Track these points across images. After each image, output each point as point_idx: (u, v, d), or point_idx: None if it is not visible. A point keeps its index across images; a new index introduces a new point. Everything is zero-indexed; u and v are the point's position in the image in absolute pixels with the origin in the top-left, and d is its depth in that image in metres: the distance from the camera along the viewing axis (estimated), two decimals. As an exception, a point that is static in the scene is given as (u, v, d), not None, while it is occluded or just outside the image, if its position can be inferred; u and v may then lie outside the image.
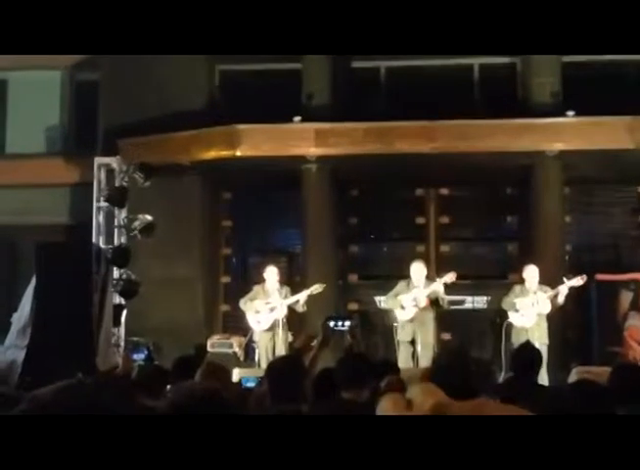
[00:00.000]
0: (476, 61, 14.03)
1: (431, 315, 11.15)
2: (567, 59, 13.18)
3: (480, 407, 3.69)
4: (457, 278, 11.14)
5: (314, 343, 6.19)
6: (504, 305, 11.14)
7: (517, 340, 10.57)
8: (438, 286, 11.03)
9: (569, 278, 11.01)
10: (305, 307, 11.28)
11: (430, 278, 11.46)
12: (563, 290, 10.86)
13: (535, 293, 10.91)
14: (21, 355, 10.09)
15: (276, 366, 4.95)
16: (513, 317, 10.94)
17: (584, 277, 10.99)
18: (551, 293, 10.87)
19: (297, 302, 11.24)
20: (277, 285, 11.34)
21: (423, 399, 3.92)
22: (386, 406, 4.15)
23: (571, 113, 12.28)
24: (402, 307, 11.05)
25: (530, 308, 10.83)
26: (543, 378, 10.08)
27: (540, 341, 10.60)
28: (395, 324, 11.23)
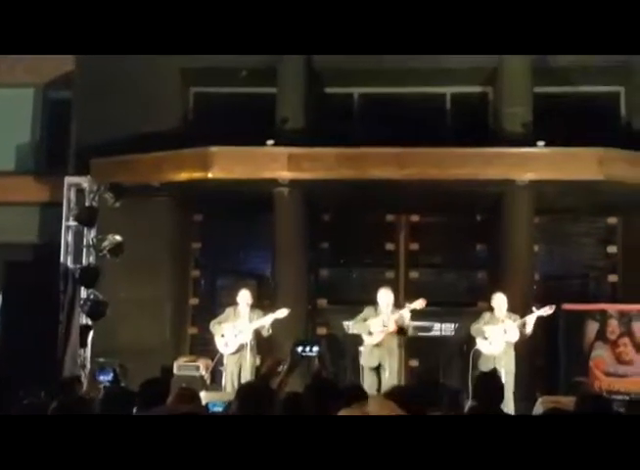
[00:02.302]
0: (448, 90, 14.16)
1: (397, 342, 11.17)
2: (538, 89, 13.33)
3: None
4: (426, 305, 11.16)
5: (280, 368, 6.24)
6: (473, 332, 11.16)
7: (484, 367, 10.60)
8: (406, 312, 11.05)
9: (537, 307, 11.07)
10: (270, 332, 11.24)
11: (398, 304, 11.48)
12: (531, 319, 10.90)
13: (504, 321, 10.96)
14: (-15, 375, 10.01)
15: (245, 391, 4.94)
16: (481, 344, 10.97)
17: (553, 307, 11.05)
18: (519, 322, 10.92)
19: (263, 327, 11.20)
20: (248, 308, 11.32)
21: (379, 411, 4.02)
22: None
23: (541, 143, 12.37)
24: (370, 333, 11.06)
25: (499, 336, 10.86)
26: (509, 407, 10.11)
27: (507, 369, 10.65)
28: (361, 349, 11.23)
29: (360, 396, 5.79)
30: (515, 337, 10.89)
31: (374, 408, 4.06)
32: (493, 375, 6.99)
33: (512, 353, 10.91)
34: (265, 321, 11.17)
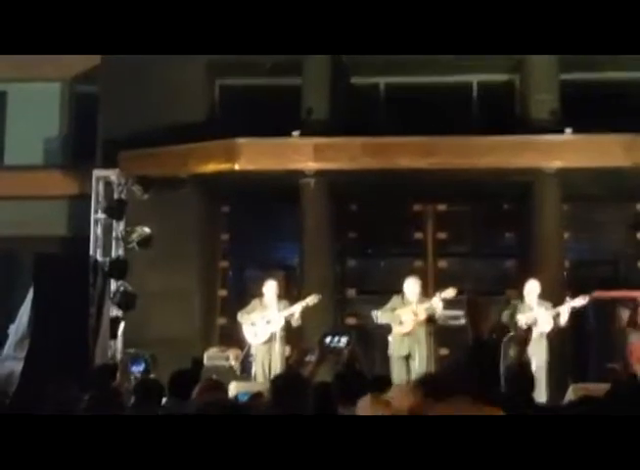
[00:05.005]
0: (474, 78, 14.10)
1: (426, 330, 11.14)
2: (565, 76, 13.24)
3: (456, 406, 3.76)
4: (456, 294, 11.13)
5: (308, 358, 6.28)
6: (504, 319, 11.09)
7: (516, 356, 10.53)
8: (437, 301, 11.01)
9: (569, 296, 11.02)
10: (300, 321, 11.25)
11: (425, 293, 11.46)
12: (565, 310, 10.85)
13: (534, 309, 10.90)
14: (18, 367, 10.10)
15: (282, 382, 4.98)
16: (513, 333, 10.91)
17: (586, 297, 10.99)
18: (553, 311, 10.85)
19: (293, 315, 11.21)
20: (275, 299, 11.34)
21: (401, 399, 4.01)
22: (364, 406, 4.22)
23: (568, 130, 12.31)
24: (400, 322, 11.03)
25: (532, 327, 10.79)
26: (541, 395, 10.08)
27: (539, 358, 10.59)
28: (390, 338, 11.22)
29: (387, 386, 5.83)
30: (548, 326, 10.83)
31: (397, 397, 4.05)
32: (524, 365, 6.97)
33: (544, 342, 10.85)
34: (296, 309, 11.20)
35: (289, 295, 12.58)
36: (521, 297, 11.18)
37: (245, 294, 13.43)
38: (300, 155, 12.62)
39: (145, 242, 12.29)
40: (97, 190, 13.00)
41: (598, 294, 12.00)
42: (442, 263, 14.00)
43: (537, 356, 10.54)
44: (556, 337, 11.11)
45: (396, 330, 11.10)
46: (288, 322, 11.29)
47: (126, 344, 12.20)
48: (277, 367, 10.82)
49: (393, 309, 11.18)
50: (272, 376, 9.01)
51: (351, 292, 14.09)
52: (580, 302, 10.94)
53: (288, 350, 11.50)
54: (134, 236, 12.29)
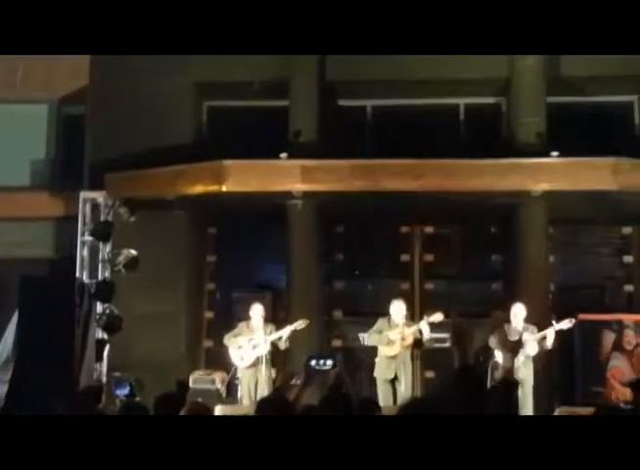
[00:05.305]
0: (461, 101, 14.17)
1: (413, 354, 11.15)
2: (551, 99, 13.31)
3: None
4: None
5: (294, 381, 6.28)
6: (491, 344, 11.11)
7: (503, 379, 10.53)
8: (425, 325, 11.00)
9: (555, 319, 11.02)
10: (288, 344, 11.24)
11: (413, 315, 11.45)
12: (551, 333, 10.86)
13: (521, 332, 10.90)
14: (3, 389, 10.05)
15: (266, 405, 4.96)
16: (499, 357, 10.91)
17: (572, 320, 11.01)
18: (538, 335, 10.86)
19: (280, 338, 11.20)
20: (262, 322, 11.32)
21: None
22: None
23: (555, 153, 12.35)
24: (388, 343, 11.01)
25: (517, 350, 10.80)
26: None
27: (525, 381, 10.59)
28: (377, 361, 11.20)
29: (374, 409, 5.80)
30: (534, 350, 10.83)
31: None
32: (507, 387, 6.96)
33: (530, 366, 10.86)
34: (284, 333, 11.18)
35: (276, 316, 12.57)
36: (507, 320, 11.19)
37: (231, 316, 13.39)
38: (288, 177, 12.63)
39: (131, 264, 12.26)
40: (84, 212, 12.98)
41: (584, 317, 12.01)
42: (429, 285, 13.99)
43: (523, 379, 10.55)
44: (542, 360, 11.13)
45: (383, 353, 11.10)
46: (274, 345, 11.27)
47: (112, 366, 12.14)
48: (263, 391, 10.79)
49: (380, 332, 11.19)
50: (258, 399, 8.99)
51: (338, 313, 14.06)
52: (566, 324, 10.96)
53: (274, 372, 11.46)
54: (121, 258, 12.26)
